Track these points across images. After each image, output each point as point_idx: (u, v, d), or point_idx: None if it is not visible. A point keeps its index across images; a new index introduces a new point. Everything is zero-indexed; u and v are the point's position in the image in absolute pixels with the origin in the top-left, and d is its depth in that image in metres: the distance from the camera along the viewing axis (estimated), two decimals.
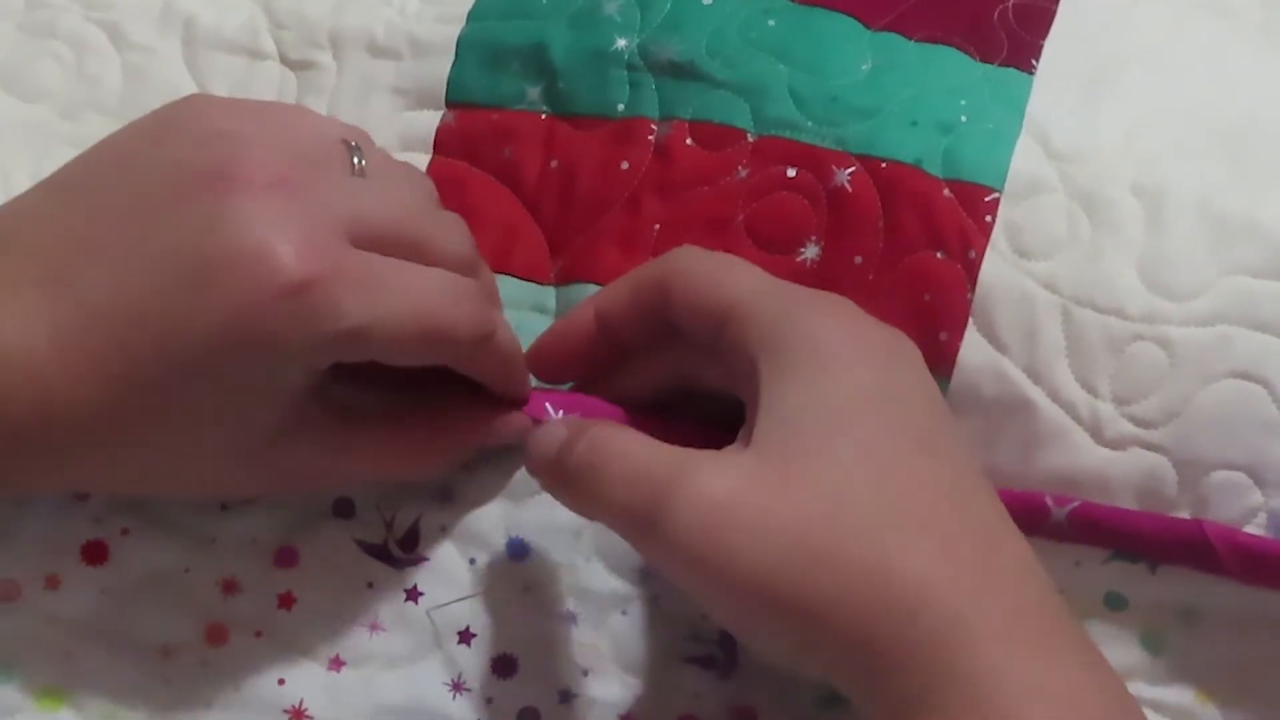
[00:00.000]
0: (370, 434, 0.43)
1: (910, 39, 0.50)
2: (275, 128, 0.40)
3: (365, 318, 0.38)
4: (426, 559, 0.45)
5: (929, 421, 0.40)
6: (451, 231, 0.43)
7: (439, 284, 0.40)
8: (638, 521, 0.39)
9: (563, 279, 0.49)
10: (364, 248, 0.39)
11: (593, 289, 0.48)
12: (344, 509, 0.45)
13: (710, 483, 0.38)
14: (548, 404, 0.45)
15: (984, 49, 0.49)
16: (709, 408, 0.45)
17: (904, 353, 0.41)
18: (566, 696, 0.45)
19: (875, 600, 0.36)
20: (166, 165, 0.39)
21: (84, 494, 0.44)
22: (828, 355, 0.39)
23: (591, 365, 0.45)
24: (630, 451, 0.40)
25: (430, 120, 0.52)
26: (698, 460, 0.39)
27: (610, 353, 0.45)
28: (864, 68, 0.49)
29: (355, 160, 0.41)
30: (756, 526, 0.37)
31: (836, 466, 0.38)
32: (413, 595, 0.45)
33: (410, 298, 0.39)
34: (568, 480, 0.41)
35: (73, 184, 0.40)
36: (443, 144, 0.51)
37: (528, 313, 0.49)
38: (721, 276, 0.42)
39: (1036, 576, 0.38)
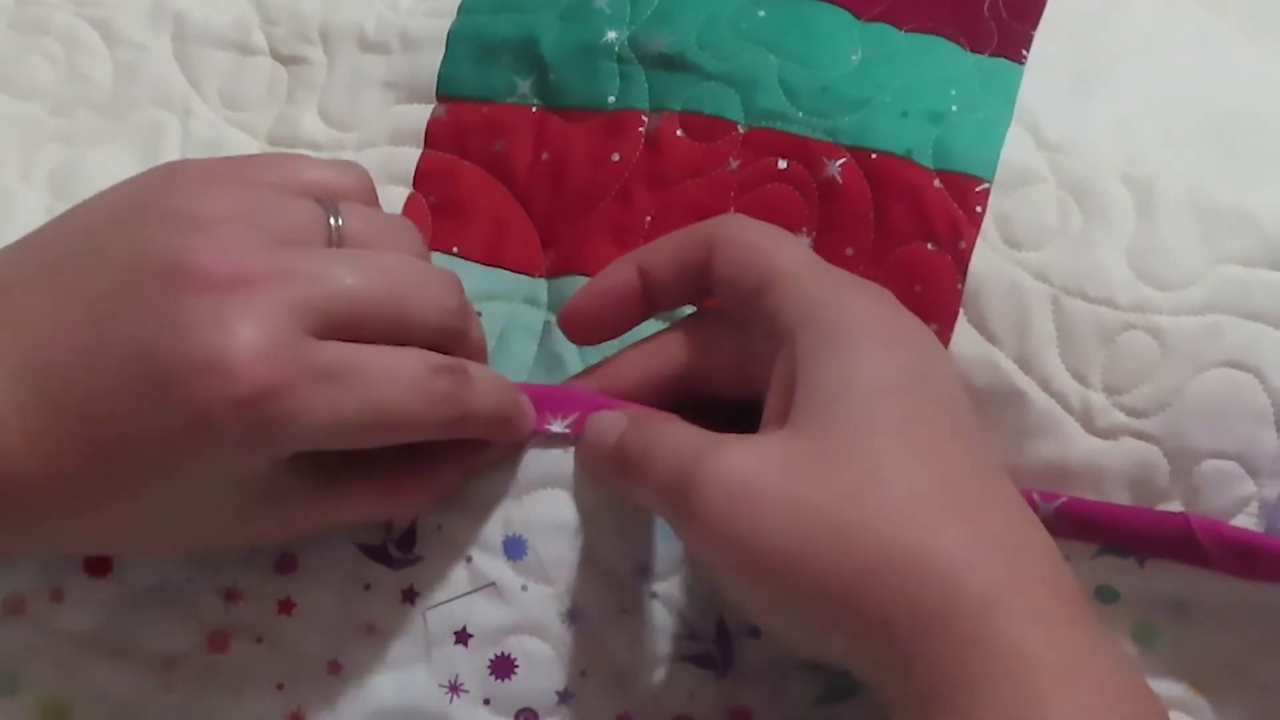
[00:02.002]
0: (352, 485, 0.42)
1: (901, 29, 0.49)
2: (247, 203, 0.39)
3: (324, 419, 0.37)
4: (423, 558, 0.44)
5: (960, 407, 0.40)
6: (435, 291, 0.41)
7: (405, 371, 0.39)
8: (672, 498, 0.39)
9: (554, 271, 0.49)
10: (330, 334, 0.38)
11: (584, 281, 0.47)
12: None
13: (739, 458, 0.38)
14: (546, 413, 0.44)
15: (975, 39, 0.49)
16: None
17: (933, 340, 0.42)
18: (564, 697, 0.44)
19: (905, 578, 0.36)
20: (129, 249, 0.38)
21: None
22: (867, 336, 0.39)
23: (627, 326, 0.45)
24: (671, 432, 0.41)
25: (421, 114, 0.52)
26: (730, 438, 0.39)
27: (641, 316, 0.45)
28: (854, 58, 0.49)
29: (332, 222, 0.40)
30: (783, 502, 0.37)
31: (872, 445, 0.38)
32: (409, 596, 0.44)
33: (373, 394, 0.38)
34: (622, 468, 0.42)
35: (46, 257, 0.40)
36: (433, 138, 0.51)
37: (519, 305, 0.49)
38: (769, 245, 0.42)
39: (1060, 561, 0.38)
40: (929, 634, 0.36)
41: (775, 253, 0.42)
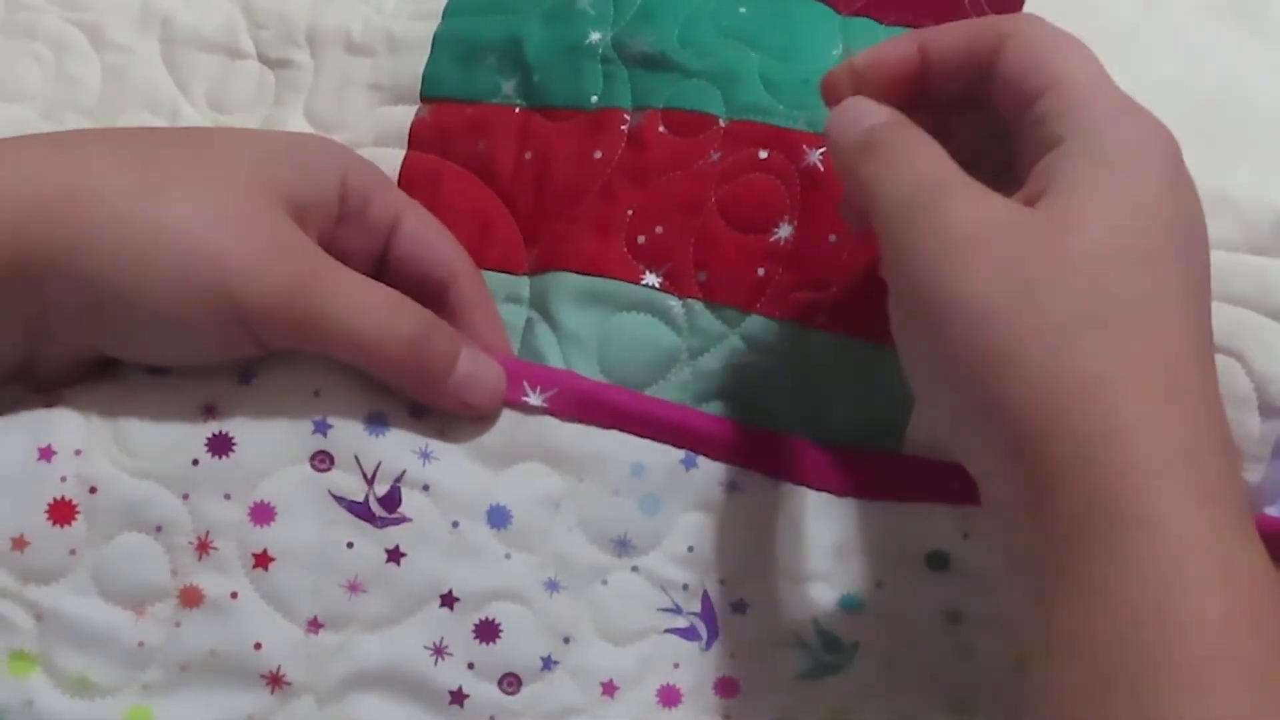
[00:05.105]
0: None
1: (882, 23, 0.50)
2: None
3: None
4: (409, 519, 0.44)
5: (1206, 296, 0.38)
6: None
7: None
8: (892, 217, 0.38)
9: (537, 268, 0.49)
10: None
11: (566, 276, 0.48)
12: (322, 461, 0.44)
13: (968, 210, 0.37)
14: (525, 382, 0.45)
15: None
16: None
17: (1204, 217, 0.39)
18: (548, 663, 0.44)
19: (1084, 402, 0.35)
20: None
21: (49, 452, 0.43)
22: (1148, 168, 0.37)
23: (891, 94, 0.42)
24: (921, 151, 0.39)
25: (405, 115, 0.52)
26: (974, 185, 0.38)
27: (904, 98, 0.42)
28: (835, 53, 0.49)
29: None
30: (991, 269, 0.36)
31: (1108, 268, 0.36)
32: (394, 556, 0.44)
33: None
34: (863, 156, 0.40)
35: None
36: (418, 139, 0.52)
37: (502, 304, 0.49)
38: (1062, 50, 0.40)
39: (1238, 470, 0.37)
40: (1084, 465, 0.34)
41: (1064, 59, 0.40)
